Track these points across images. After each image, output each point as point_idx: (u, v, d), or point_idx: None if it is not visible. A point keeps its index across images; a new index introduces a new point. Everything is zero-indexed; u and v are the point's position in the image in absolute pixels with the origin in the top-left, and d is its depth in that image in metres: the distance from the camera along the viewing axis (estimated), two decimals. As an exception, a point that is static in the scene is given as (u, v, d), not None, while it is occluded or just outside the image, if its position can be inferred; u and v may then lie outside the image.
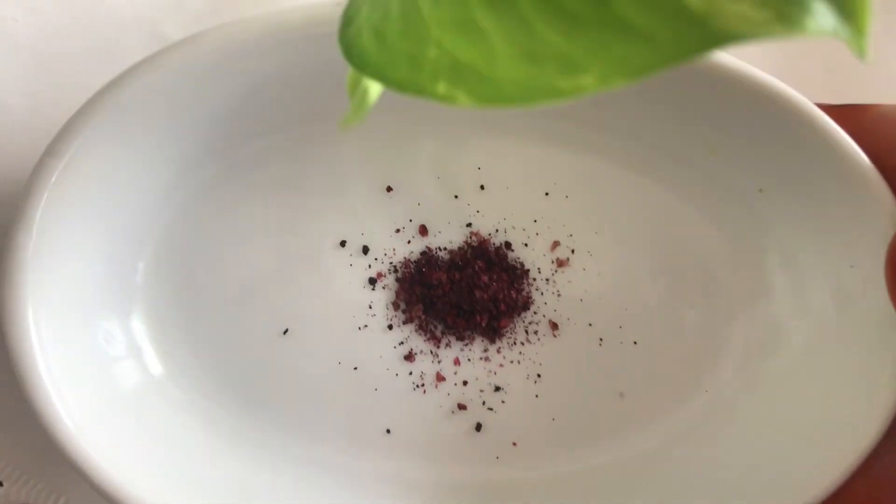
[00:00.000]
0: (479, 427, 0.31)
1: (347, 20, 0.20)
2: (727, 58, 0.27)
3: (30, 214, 0.24)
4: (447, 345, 0.31)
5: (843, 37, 0.14)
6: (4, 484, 0.29)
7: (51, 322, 0.24)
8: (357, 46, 0.19)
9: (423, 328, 0.31)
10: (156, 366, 0.28)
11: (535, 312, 0.31)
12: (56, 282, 0.25)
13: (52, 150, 0.25)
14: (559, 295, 0.31)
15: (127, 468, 0.24)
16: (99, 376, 0.26)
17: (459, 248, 0.31)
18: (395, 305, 0.31)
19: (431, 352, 0.31)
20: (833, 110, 0.28)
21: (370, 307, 0.31)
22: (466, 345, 0.31)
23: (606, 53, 0.15)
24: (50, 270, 0.24)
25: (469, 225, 0.31)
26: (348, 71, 0.20)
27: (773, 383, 0.30)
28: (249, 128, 0.29)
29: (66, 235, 0.25)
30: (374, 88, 0.20)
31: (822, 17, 0.14)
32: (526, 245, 0.32)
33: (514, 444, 0.31)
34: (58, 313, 0.25)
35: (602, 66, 0.16)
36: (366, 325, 0.31)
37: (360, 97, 0.20)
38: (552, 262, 0.31)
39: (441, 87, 0.18)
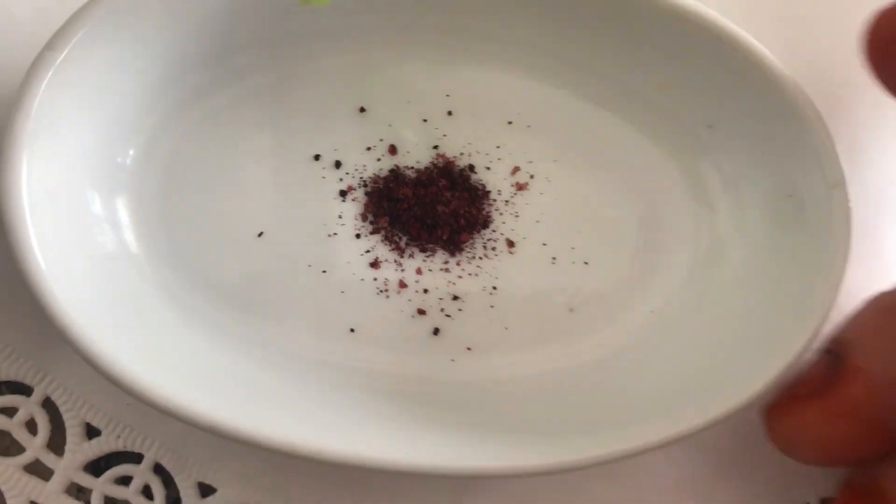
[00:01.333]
0: (436, 331, 0.33)
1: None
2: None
3: (28, 99, 0.26)
4: (410, 255, 0.33)
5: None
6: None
7: (42, 192, 0.27)
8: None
9: (388, 239, 0.33)
10: (133, 244, 0.31)
11: (493, 230, 0.34)
12: (50, 159, 0.27)
13: (52, 44, 0.27)
14: (517, 216, 0.34)
15: (98, 327, 0.26)
16: (82, 242, 0.28)
17: (426, 168, 0.34)
18: (364, 217, 0.33)
19: (395, 261, 0.33)
20: None
21: (340, 217, 0.33)
22: (428, 256, 0.33)
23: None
24: (45, 149, 0.27)
25: (436, 147, 0.34)
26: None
27: (714, 297, 0.32)
28: (237, 40, 0.31)
29: (61, 120, 0.27)
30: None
31: None
32: (488, 169, 0.34)
33: (469, 348, 0.33)
34: (49, 185, 0.27)
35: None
36: (335, 234, 0.33)
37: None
38: (512, 185, 0.34)
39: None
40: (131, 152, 0.31)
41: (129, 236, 0.31)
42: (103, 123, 0.29)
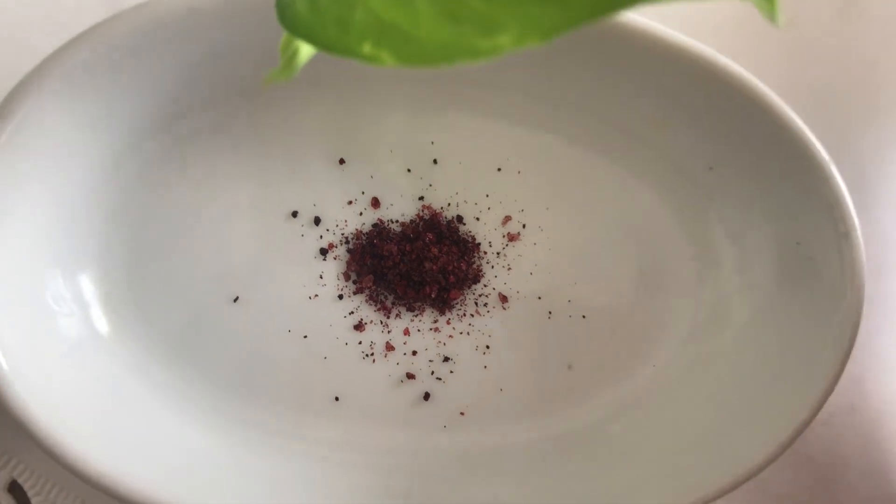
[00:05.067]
0: (427, 396, 0.31)
1: (284, -16, 0.20)
2: (673, 34, 0.27)
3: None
4: (397, 315, 0.31)
5: (755, 1, 0.14)
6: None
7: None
8: (291, 9, 0.20)
9: (373, 298, 0.31)
10: (103, 324, 0.29)
11: (485, 285, 0.32)
12: (2, 237, 0.25)
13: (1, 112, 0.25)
14: (509, 268, 0.32)
15: (66, 422, 0.24)
16: (44, 331, 0.26)
17: (411, 221, 0.32)
18: (346, 276, 0.31)
19: (381, 322, 0.31)
20: None
21: (321, 277, 0.31)
22: (416, 315, 0.31)
23: (522, 14, 0.16)
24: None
25: (422, 198, 0.32)
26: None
27: (717, 358, 0.30)
28: (204, 95, 0.29)
29: (14, 194, 0.25)
30: (305, 50, 0.20)
31: (731, -18, 0.15)
32: (478, 219, 0.32)
33: (462, 413, 0.31)
34: (3, 266, 0.25)
35: (518, 26, 0.16)
36: (316, 295, 0.31)
37: (290, 57, 0.20)
38: (503, 236, 0.32)
39: (366, 48, 0.18)
40: (92, 227, 0.29)
41: (97, 314, 0.29)
42: (61, 195, 0.27)
